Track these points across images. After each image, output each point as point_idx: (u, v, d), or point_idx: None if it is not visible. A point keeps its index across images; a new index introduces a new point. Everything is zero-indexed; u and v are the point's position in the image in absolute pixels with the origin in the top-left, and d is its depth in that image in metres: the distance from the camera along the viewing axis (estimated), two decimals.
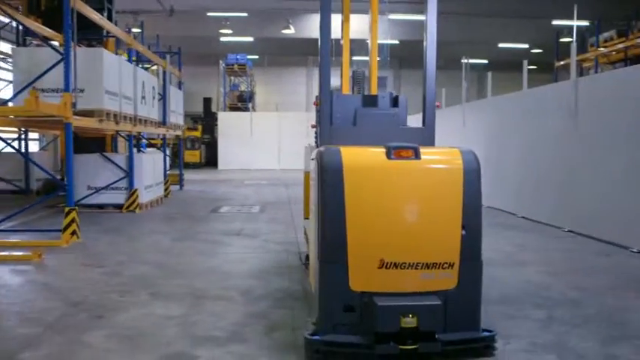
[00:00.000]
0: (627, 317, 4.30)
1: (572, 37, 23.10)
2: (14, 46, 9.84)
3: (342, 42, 5.33)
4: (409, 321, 3.27)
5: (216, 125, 29.66)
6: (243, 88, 30.96)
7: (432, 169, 3.66)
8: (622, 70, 8.24)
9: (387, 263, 3.42)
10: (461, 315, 3.48)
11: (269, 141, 25.68)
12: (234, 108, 29.60)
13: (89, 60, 8.21)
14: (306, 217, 5.35)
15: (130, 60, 10.58)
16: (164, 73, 12.79)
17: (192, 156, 26.42)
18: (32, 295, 4.82)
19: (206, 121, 29.21)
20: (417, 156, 3.55)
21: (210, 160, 28.24)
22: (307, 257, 5.38)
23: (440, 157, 3.75)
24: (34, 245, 6.69)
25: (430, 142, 4.31)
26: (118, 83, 9.15)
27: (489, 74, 11.14)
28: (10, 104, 7.87)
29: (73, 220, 7.13)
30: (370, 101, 4.66)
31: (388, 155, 3.53)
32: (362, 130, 4.35)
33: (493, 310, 4.40)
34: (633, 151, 6.86)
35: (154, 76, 11.90)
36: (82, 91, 8.00)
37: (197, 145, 27.49)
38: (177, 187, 14.78)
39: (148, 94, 11.03)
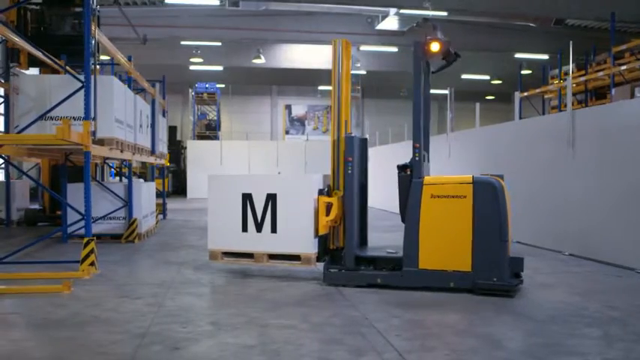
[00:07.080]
0: None
1: (531, 69, 24.36)
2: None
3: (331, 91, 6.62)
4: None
5: (182, 154, 29.38)
6: (211, 116, 30.86)
7: (504, 186, 6.10)
8: (616, 103, 8.80)
9: (511, 238, 6.02)
10: None
11: (239, 170, 25.52)
12: (201, 136, 29.45)
13: (100, 88, 8.11)
14: (317, 235, 6.40)
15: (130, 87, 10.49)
16: (153, 101, 12.68)
17: (161, 184, 26.03)
18: (89, 329, 4.67)
19: (172, 149, 28.89)
20: (503, 179, 6.13)
21: (178, 189, 27.90)
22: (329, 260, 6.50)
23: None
24: (54, 278, 6.49)
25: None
26: (123, 111, 9.06)
27: (477, 105, 11.60)
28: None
29: (92, 251, 6.95)
30: None
31: (503, 179, 6.07)
32: (427, 166, 6.52)
33: (551, 330, 4.61)
34: (629, 177, 7.32)
35: (147, 105, 11.80)
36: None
37: (165, 174, 27.12)
38: (161, 216, 14.54)
39: (144, 122, 10.92)
